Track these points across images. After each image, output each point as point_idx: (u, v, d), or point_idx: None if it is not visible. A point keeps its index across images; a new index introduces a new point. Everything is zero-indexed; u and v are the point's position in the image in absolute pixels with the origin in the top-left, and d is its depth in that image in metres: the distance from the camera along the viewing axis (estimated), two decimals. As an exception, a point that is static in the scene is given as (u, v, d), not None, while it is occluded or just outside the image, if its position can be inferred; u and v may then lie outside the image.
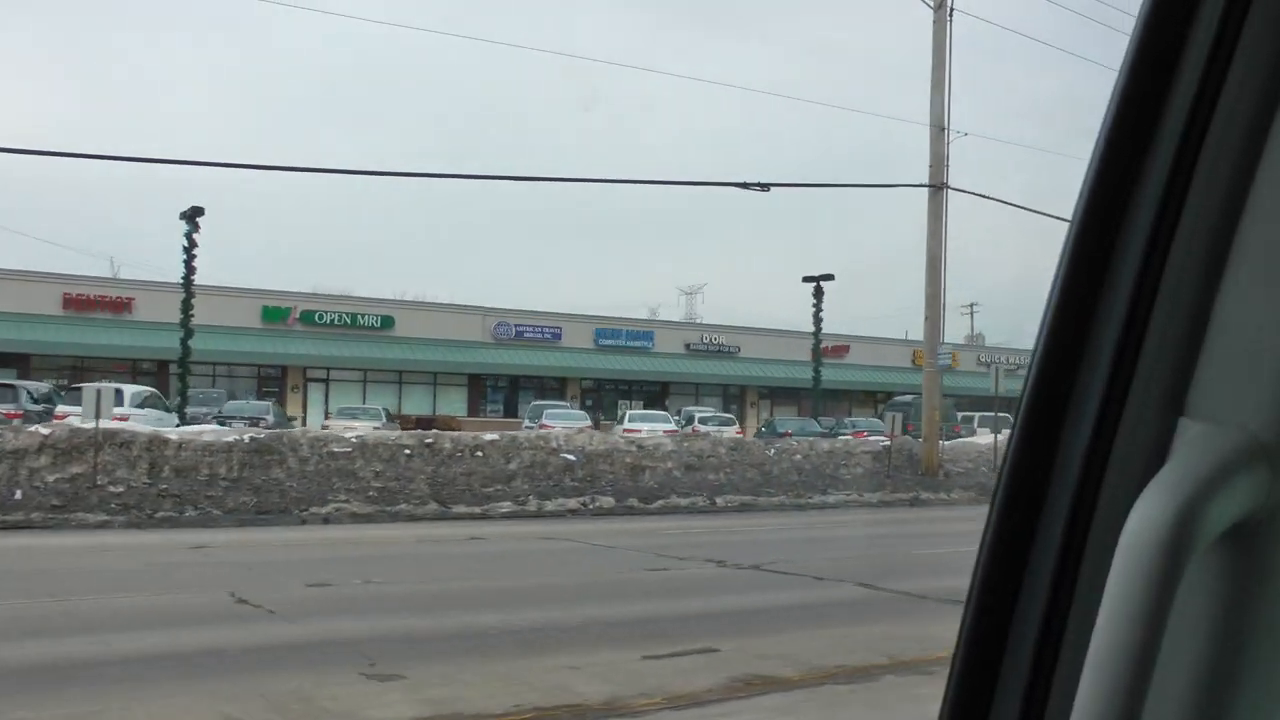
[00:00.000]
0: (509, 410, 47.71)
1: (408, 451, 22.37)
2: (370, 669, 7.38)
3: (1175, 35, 0.90)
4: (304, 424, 40.76)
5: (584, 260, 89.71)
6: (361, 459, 22.00)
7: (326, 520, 19.08)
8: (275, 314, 45.12)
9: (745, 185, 23.96)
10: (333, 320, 46.01)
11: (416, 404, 47.31)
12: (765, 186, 24.10)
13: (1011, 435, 1.00)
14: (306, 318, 45.61)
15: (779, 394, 52.25)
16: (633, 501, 21.32)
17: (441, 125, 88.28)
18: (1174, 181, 0.89)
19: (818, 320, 42.68)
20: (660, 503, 21.50)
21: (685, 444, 24.45)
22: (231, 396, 38.98)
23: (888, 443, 26.61)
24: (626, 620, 9.30)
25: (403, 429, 31.38)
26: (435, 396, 48.00)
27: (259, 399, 45.25)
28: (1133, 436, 0.90)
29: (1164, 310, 0.89)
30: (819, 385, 42.68)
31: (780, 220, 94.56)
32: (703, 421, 38.22)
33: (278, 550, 14.78)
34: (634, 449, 23.85)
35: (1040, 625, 0.95)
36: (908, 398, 42.97)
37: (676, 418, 41.98)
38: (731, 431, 36.40)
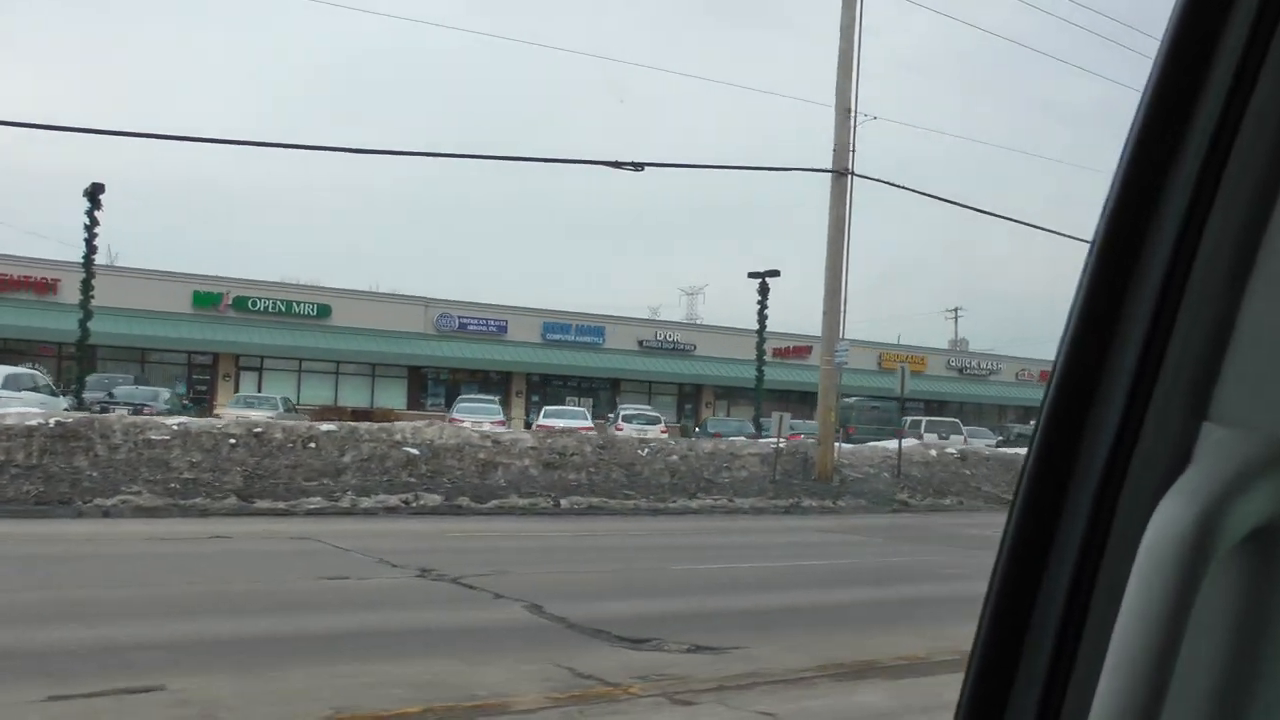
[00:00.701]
0: (450, 403, 46.03)
1: (232, 441, 20.72)
2: None
3: (1205, 42, 0.89)
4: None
5: (584, 260, 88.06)
6: (180, 448, 20.37)
7: (107, 514, 17.43)
8: (207, 299, 43.67)
9: (618, 164, 22.22)
10: (267, 307, 44.52)
11: (354, 395, 45.78)
12: (639, 166, 22.31)
13: (1034, 436, 0.99)
14: (240, 304, 44.15)
15: (736, 394, 50.33)
16: (464, 500, 19.57)
17: (434, 123, 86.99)
18: (1201, 185, 0.89)
19: (762, 318, 40.70)
20: (496, 502, 19.74)
21: (547, 440, 22.68)
22: (142, 382, 37.58)
23: (781, 444, 24.74)
24: (149, 643, 7.56)
25: (312, 419, 29.86)
26: (374, 388, 46.43)
27: (187, 386, 44.01)
28: (1156, 439, 0.90)
29: (1189, 313, 0.89)
30: (761, 385, 40.69)
31: (782, 222, 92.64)
32: (627, 419, 36.43)
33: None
34: (489, 444, 22.12)
35: (1058, 626, 0.94)
36: (850, 399, 41.15)
37: (612, 415, 40.31)
38: (656, 430, 34.63)
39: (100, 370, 39.59)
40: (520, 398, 46.61)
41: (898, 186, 25.57)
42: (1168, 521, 0.78)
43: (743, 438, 28.93)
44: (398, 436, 21.64)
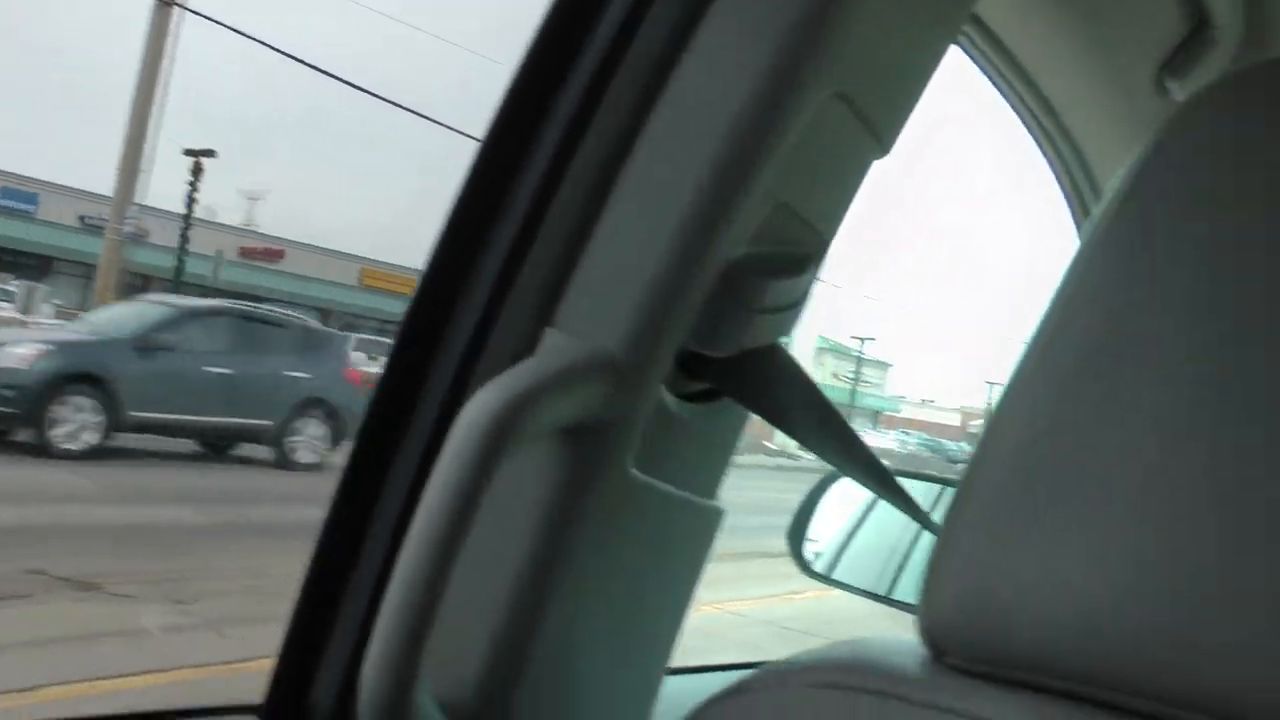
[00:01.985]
0: None
1: None
2: None
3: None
4: None
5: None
6: None
7: None
8: None
9: None
10: None
11: None
12: None
13: (391, 349, 0.99)
14: None
15: (193, 289, 45.47)
16: None
17: None
18: (577, 122, 0.92)
19: (190, 202, 36.26)
20: None
21: None
22: None
23: None
24: None
25: None
26: None
27: None
28: (504, 340, 0.93)
29: (551, 225, 0.93)
30: (181, 277, 36.29)
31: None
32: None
33: None
34: None
35: (391, 530, 0.92)
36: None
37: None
38: None
39: None
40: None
41: (241, 34, 22.14)
42: (478, 407, 0.77)
43: None
44: None
